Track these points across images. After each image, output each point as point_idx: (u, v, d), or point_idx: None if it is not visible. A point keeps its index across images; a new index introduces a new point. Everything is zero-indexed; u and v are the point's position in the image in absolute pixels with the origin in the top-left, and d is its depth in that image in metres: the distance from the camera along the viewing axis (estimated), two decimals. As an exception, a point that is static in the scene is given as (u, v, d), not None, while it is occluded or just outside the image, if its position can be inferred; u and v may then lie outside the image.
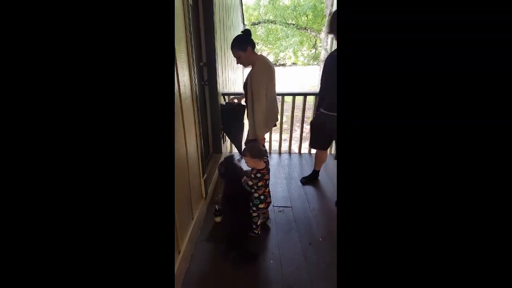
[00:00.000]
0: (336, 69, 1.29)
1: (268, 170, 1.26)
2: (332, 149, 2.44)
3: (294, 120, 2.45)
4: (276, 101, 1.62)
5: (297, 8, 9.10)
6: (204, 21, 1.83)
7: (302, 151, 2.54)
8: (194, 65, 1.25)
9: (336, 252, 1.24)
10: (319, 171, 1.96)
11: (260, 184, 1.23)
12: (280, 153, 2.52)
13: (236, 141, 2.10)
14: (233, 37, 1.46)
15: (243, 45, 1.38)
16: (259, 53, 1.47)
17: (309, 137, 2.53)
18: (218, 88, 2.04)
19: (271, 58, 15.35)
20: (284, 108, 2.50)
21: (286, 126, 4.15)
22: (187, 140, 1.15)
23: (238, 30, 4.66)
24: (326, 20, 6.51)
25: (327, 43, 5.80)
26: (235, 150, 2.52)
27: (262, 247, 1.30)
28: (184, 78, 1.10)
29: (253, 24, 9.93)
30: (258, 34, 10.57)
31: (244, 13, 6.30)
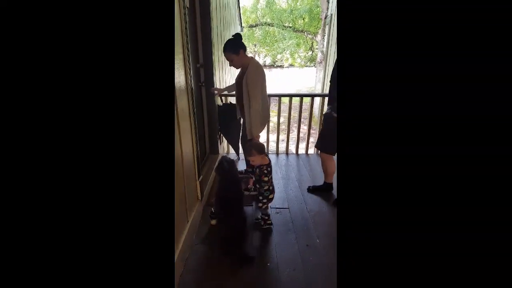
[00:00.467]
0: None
1: (270, 164, 1.38)
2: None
3: (291, 121, 2.45)
4: (268, 101, 1.69)
5: (293, 12, 9.19)
6: (201, 23, 1.83)
7: (300, 152, 2.54)
8: (190, 66, 1.25)
9: (333, 253, 1.25)
10: (331, 184, 1.76)
11: (270, 176, 1.35)
12: (277, 153, 2.51)
13: (233, 142, 2.09)
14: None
15: (236, 48, 1.45)
16: (250, 55, 1.55)
17: (306, 138, 2.54)
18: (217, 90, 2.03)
19: (268, 60, 15.44)
20: (282, 109, 2.50)
21: (283, 126, 4.15)
22: (182, 141, 1.14)
23: (236, 32, 4.68)
24: (321, 23, 6.57)
25: (324, 46, 5.85)
26: (232, 151, 2.51)
27: (258, 249, 1.28)
28: (180, 79, 1.09)
29: (251, 26, 9.99)
30: (255, 36, 10.64)
31: (241, 16, 6.34)
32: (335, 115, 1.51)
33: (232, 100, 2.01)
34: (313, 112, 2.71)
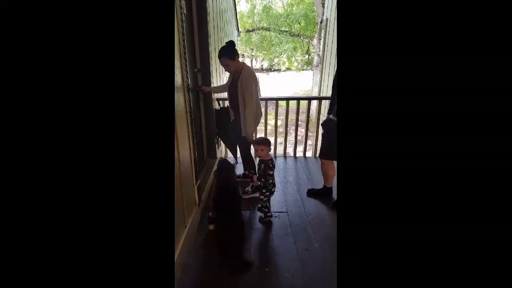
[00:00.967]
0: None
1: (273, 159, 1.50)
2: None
3: (289, 124, 2.46)
4: (259, 102, 1.82)
5: (289, 16, 9.30)
6: (198, 28, 1.84)
7: (297, 155, 2.54)
8: (187, 71, 1.25)
9: (332, 257, 1.24)
10: (331, 188, 1.76)
11: (272, 172, 1.45)
12: (275, 157, 2.51)
13: (231, 146, 2.08)
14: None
15: (231, 54, 1.58)
16: (241, 61, 1.70)
17: (304, 141, 2.54)
18: (212, 93, 2.04)
19: (265, 64, 15.56)
20: (279, 112, 2.51)
21: (281, 129, 4.16)
22: (180, 145, 1.14)
23: (233, 37, 4.71)
24: (317, 27, 6.65)
25: (320, 49, 5.92)
26: (229, 155, 2.50)
27: (257, 254, 1.27)
28: (177, 84, 1.10)
29: (248, 31, 10.08)
30: (252, 40, 10.73)
31: (238, 21, 6.40)
32: (335, 119, 1.52)
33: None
34: (311, 114, 2.72)
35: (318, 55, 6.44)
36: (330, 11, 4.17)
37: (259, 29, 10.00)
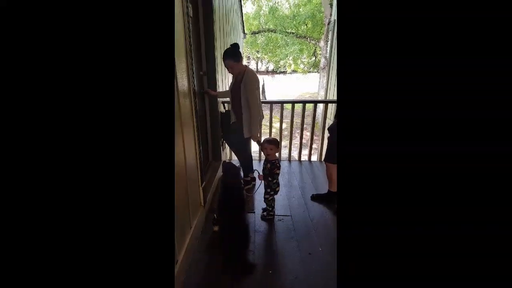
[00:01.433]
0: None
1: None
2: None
3: (294, 127, 2.46)
4: (260, 104, 1.88)
5: (296, 18, 9.27)
6: (204, 31, 1.87)
7: (302, 159, 2.53)
8: (193, 74, 1.27)
9: (336, 261, 1.23)
10: (335, 193, 1.73)
11: (279, 171, 1.50)
12: (280, 160, 2.51)
13: (237, 148, 2.09)
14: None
15: (236, 57, 1.62)
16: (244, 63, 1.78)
17: (309, 144, 2.53)
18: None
19: (271, 66, 15.55)
20: (284, 115, 2.51)
21: (286, 133, 4.16)
22: (186, 148, 1.15)
23: (239, 39, 4.74)
24: (325, 29, 6.63)
25: (327, 51, 5.89)
26: (234, 157, 2.52)
27: (261, 257, 1.28)
28: (183, 87, 1.12)
29: (254, 33, 10.10)
30: (258, 42, 10.74)
31: (244, 22, 6.43)
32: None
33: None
34: (317, 118, 2.71)
35: (325, 57, 6.40)
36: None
37: (265, 31, 10.01)
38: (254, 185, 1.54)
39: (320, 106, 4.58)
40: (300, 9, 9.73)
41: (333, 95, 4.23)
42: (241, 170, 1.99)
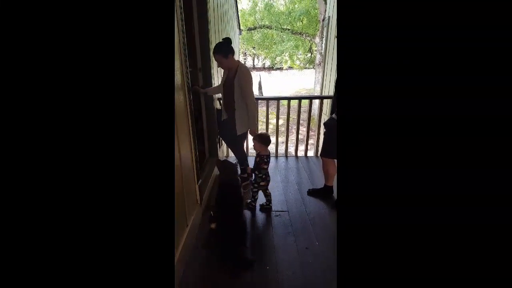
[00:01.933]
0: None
1: (270, 155, 1.61)
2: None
3: (290, 123, 2.46)
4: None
5: (291, 14, 9.24)
6: (199, 27, 1.84)
7: (299, 154, 2.54)
8: (188, 70, 1.26)
9: (333, 256, 1.24)
10: (331, 187, 1.77)
11: (266, 166, 1.55)
12: (276, 156, 2.51)
13: (233, 145, 2.09)
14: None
15: (226, 52, 1.57)
16: (236, 59, 1.69)
17: (305, 140, 2.54)
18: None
19: (267, 63, 15.51)
20: (280, 111, 2.51)
21: (282, 129, 4.16)
22: (181, 145, 1.14)
23: (234, 35, 4.70)
24: (320, 25, 6.61)
25: (322, 47, 5.89)
26: (231, 154, 2.51)
27: (257, 252, 1.28)
28: (178, 83, 1.10)
29: (249, 29, 10.04)
30: (254, 39, 10.69)
31: (240, 19, 6.38)
32: (334, 116, 1.53)
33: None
34: (312, 113, 2.71)
35: (321, 53, 6.40)
36: (333, 9, 4.14)
37: (260, 27, 9.95)
38: (251, 181, 1.55)
39: (316, 102, 4.59)
40: (295, 6, 9.69)
41: (328, 90, 4.25)
42: (238, 167, 2.00)
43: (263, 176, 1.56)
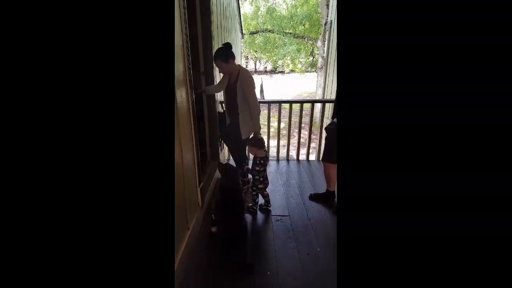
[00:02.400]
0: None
1: (268, 157, 1.64)
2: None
3: (292, 127, 2.46)
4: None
5: (293, 18, 9.30)
6: (202, 31, 1.86)
7: (300, 158, 2.53)
8: (191, 73, 1.27)
9: (334, 262, 1.23)
10: (334, 192, 1.74)
11: (262, 169, 1.57)
12: (278, 159, 2.51)
13: (234, 149, 2.09)
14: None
15: (227, 57, 1.60)
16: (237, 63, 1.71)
17: (306, 144, 2.54)
18: (216, 96, 2.05)
19: (269, 66, 15.58)
20: (282, 114, 2.51)
21: (284, 132, 4.16)
22: (183, 148, 1.15)
23: (237, 39, 4.74)
24: (322, 29, 6.65)
25: (324, 51, 5.91)
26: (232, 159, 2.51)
27: (259, 257, 1.27)
28: (180, 87, 1.11)
29: (252, 33, 10.11)
30: (256, 43, 10.75)
31: (242, 23, 6.43)
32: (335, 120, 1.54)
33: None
34: (314, 117, 2.72)
35: (323, 57, 6.42)
36: (335, 13, 4.16)
37: (263, 31, 10.02)
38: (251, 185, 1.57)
39: (318, 106, 4.59)
40: (298, 10, 9.75)
41: (330, 94, 4.25)
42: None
43: (261, 179, 1.59)
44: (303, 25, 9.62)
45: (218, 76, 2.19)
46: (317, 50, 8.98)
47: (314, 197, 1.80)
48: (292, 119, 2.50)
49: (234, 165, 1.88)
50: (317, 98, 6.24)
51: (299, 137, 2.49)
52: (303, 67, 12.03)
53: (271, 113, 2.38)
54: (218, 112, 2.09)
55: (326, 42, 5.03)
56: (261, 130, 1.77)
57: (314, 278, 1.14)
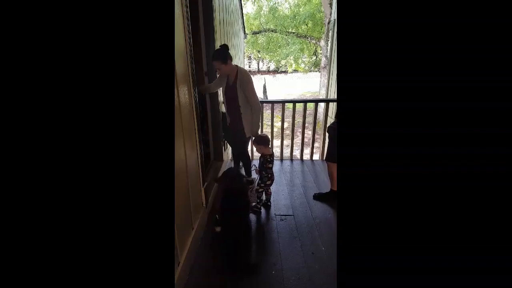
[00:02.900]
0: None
1: (273, 154, 1.68)
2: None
3: (295, 126, 2.44)
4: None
5: (296, 17, 9.27)
6: (205, 31, 1.87)
7: (304, 157, 2.52)
8: (194, 74, 1.27)
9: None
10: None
11: (270, 165, 1.61)
12: (282, 159, 2.50)
13: (236, 148, 2.09)
14: (234, 46, 1.55)
15: (225, 58, 1.61)
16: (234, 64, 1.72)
17: (310, 144, 2.52)
18: (219, 96, 2.06)
19: (272, 66, 15.57)
20: (285, 114, 2.50)
21: (288, 132, 4.15)
22: (187, 149, 1.15)
23: (239, 39, 4.74)
24: (325, 28, 6.61)
25: (327, 50, 5.88)
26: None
27: (263, 257, 1.27)
28: (183, 87, 1.11)
29: (254, 33, 10.11)
30: (259, 42, 10.75)
31: (245, 23, 6.44)
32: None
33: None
34: (318, 117, 2.70)
35: (326, 56, 6.39)
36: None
37: (265, 31, 10.02)
38: (258, 182, 1.61)
39: (322, 105, 4.57)
40: (300, 9, 9.72)
41: (334, 93, 4.22)
42: (243, 169, 2.00)
43: (269, 175, 1.61)
44: (306, 24, 9.59)
45: (221, 76, 2.19)
46: (320, 50, 8.94)
47: (318, 197, 1.79)
48: (296, 118, 2.49)
49: (234, 165, 1.89)
50: (321, 97, 6.21)
51: (303, 137, 2.48)
52: (306, 67, 11.99)
53: (274, 113, 2.37)
54: (222, 112, 2.10)
55: (329, 41, 5.00)
56: (265, 130, 1.78)
57: (318, 277, 1.13)
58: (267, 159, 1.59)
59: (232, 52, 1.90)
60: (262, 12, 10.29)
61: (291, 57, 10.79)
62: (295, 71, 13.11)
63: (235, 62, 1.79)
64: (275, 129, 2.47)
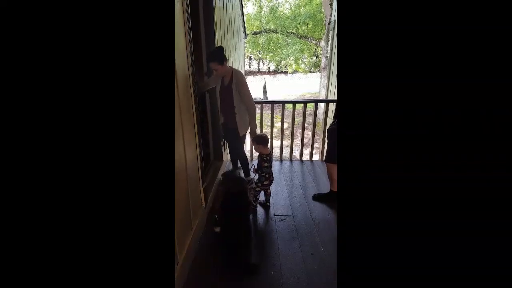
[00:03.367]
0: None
1: (271, 154, 1.68)
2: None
3: (295, 127, 2.45)
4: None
5: (297, 18, 9.28)
6: (205, 31, 1.87)
7: (304, 158, 2.52)
8: (194, 74, 1.27)
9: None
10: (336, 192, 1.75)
11: (268, 165, 1.60)
12: (281, 160, 2.50)
13: (234, 148, 2.09)
14: (235, 46, 1.57)
15: (221, 59, 1.64)
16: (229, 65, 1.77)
17: (310, 144, 2.52)
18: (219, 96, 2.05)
19: (272, 66, 15.58)
20: (285, 114, 2.50)
21: (287, 132, 4.15)
22: (187, 148, 1.15)
23: (240, 39, 4.74)
24: (325, 29, 6.62)
25: (328, 51, 5.88)
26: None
27: (262, 258, 1.27)
28: (183, 87, 1.11)
29: (255, 33, 10.12)
30: (259, 43, 10.76)
31: (245, 23, 6.44)
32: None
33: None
34: (318, 117, 2.70)
35: (326, 57, 6.39)
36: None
37: (266, 31, 10.02)
38: (256, 182, 1.63)
39: (321, 106, 4.57)
40: (301, 10, 9.73)
41: (334, 94, 4.22)
42: (242, 170, 2.00)
43: (267, 176, 1.61)
44: (307, 25, 9.59)
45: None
46: (320, 50, 8.94)
47: (317, 197, 1.79)
48: (296, 119, 2.49)
49: (232, 167, 1.89)
50: (321, 98, 6.21)
51: (303, 137, 2.48)
52: (307, 67, 11.99)
53: (274, 113, 2.37)
54: (222, 112, 2.10)
55: (330, 42, 5.00)
56: (264, 130, 1.79)
57: (318, 278, 1.13)
58: (263, 158, 1.60)
59: (232, 52, 1.89)
60: (263, 12, 10.29)
61: (291, 58, 10.80)
62: (295, 71, 13.12)
63: (235, 62, 1.79)
64: (275, 130, 2.47)
